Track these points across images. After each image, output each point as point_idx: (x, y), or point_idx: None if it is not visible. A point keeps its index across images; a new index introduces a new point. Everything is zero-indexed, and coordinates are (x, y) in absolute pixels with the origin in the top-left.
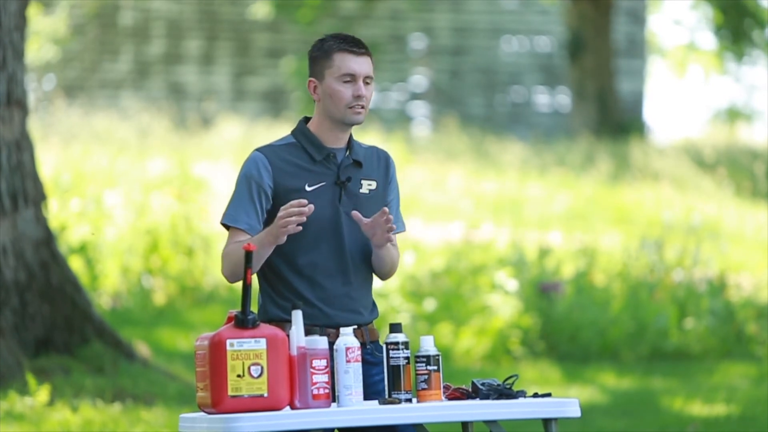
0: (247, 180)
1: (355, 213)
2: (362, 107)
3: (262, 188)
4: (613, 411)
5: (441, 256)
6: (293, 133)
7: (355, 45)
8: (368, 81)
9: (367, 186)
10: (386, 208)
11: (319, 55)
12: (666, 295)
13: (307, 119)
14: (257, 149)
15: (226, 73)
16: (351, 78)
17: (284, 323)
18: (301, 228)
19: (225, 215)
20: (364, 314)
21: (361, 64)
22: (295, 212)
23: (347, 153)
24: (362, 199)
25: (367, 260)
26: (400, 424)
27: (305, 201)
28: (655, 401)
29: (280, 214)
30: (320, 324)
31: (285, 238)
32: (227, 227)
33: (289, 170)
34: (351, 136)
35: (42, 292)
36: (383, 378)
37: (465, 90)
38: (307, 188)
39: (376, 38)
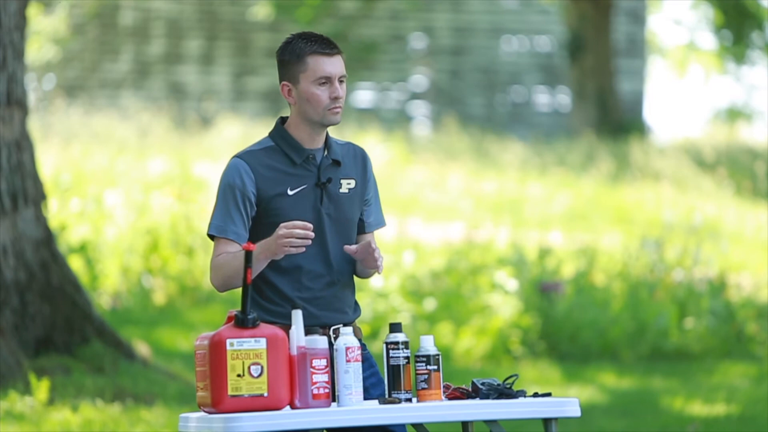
0: (230, 189)
1: (346, 247)
2: (339, 107)
3: (246, 196)
4: (613, 411)
5: (441, 256)
6: (271, 135)
7: (326, 46)
8: (342, 80)
9: (347, 185)
10: (372, 245)
11: (291, 58)
12: (666, 295)
13: (283, 120)
14: (237, 156)
15: (226, 73)
16: (327, 80)
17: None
18: (304, 249)
19: (211, 226)
20: (349, 313)
21: (335, 65)
22: (301, 235)
23: (325, 153)
24: (342, 199)
25: (349, 260)
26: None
27: (310, 225)
28: (655, 401)
29: (281, 232)
30: (307, 324)
31: (282, 255)
32: (212, 237)
33: (270, 175)
34: (327, 135)
35: (42, 292)
36: (370, 375)
37: (465, 90)
38: (290, 192)
39: (376, 38)
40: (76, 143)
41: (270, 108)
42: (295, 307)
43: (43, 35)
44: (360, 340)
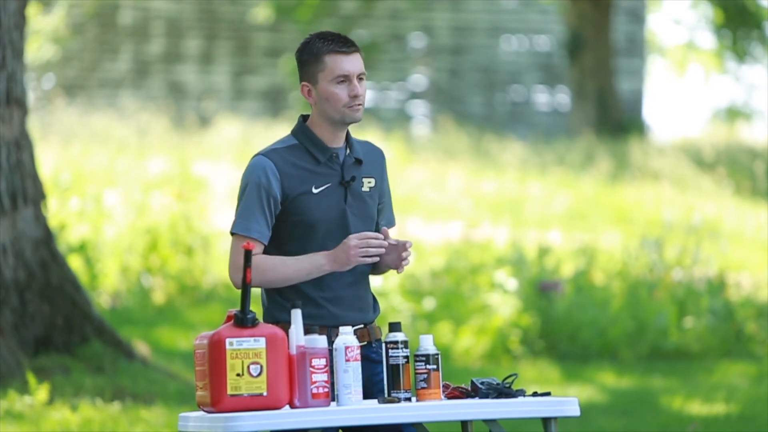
0: (257, 188)
1: (384, 228)
2: (360, 105)
3: (272, 195)
4: (613, 410)
5: (441, 256)
6: (294, 133)
7: (344, 44)
8: (362, 77)
9: (368, 184)
10: (407, 244)
11: (309, 58)
12: (666, 294)
13: (305, 117)
14: (263, 154)
15: (225, 72)
16: (345, 78)
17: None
18: (378, 259)
19: (235, 224)
20: (369, 313)
21: (353, 63)
22: (375, 244)
23: (348, 152)
24: (365, 197)
25: None
26: (400, 423)
27: (381, 235)
28: (654, 401)
29: (353, 242)
30: (328, 324)
31: (352, 267)
32: (233, 234)
33: (296, 174)
34: (348, 134)
35: (42, 291)
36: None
37: (465, 89)
38: (314, 190)
39: (376, 38)
40: (75, 143)
41: (269, 107)
42: (318, 307)
43: (43, 34)
44: (380, 339)
